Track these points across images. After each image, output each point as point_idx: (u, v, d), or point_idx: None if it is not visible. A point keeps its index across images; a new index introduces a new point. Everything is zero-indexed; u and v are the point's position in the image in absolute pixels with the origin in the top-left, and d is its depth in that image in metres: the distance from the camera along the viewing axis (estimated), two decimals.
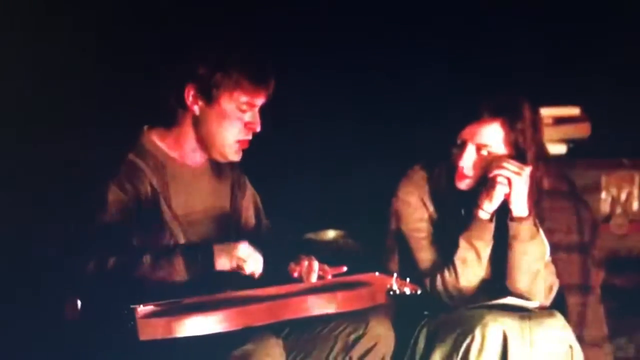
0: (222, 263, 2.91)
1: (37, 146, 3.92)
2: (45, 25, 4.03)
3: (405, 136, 3.82)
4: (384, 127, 4.14)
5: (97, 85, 4.01)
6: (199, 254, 2.90)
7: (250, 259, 2.92)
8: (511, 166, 3.15)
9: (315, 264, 3.00)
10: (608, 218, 4.27)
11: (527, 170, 3.15)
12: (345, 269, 3.03)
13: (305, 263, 3.01)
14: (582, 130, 4.41)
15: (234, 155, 3.09)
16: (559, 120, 4.35)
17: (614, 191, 4.43)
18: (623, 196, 4.49)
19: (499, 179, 3.15)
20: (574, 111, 4.39)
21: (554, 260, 3.27)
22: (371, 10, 4.30)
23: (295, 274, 3.03)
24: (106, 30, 4.07)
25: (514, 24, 4.30)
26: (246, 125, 3.05)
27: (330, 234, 4.07)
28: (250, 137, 3.07)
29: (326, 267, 3.03)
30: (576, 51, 4.38)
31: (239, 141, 3.06)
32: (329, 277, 3.01)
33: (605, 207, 4.33)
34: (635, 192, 4.58)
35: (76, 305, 3.02)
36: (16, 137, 3.91)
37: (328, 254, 3.21)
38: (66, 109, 4.00)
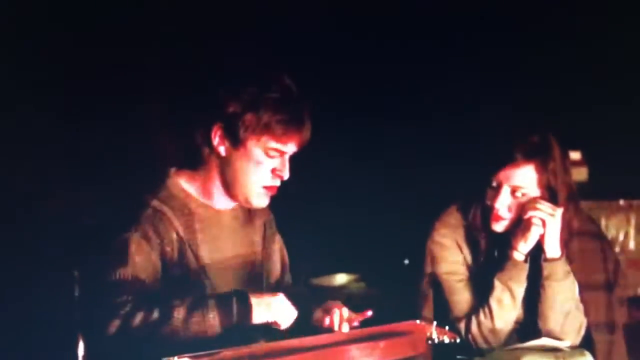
0: (259, 316, 2.79)
1: (56, 191, 3.81)
2: (67, 59, 3.95)
3: (440, 178, 3.83)
4: (419, 169, 4.14)
5: (122, 124, 3.92)
6: (235, 306, 2.76)
7: (286, 314, 2.82)
8: (545, 207, 3.19)
9: (346, 312, 2.86)
10: None
11: (560, 211, 3.20)
12: (370, 313, 2.89)
13: (336, 311, 2.87)
14: (581, 174, 4.52)
15: (259, 202, 2.92)
16: None
17: (613, 231, 4.55)
18: (621, 236, 4.61)
19: (534, 220, 3.19)
20: (575, 155, 4.49)
21: (582, 299, 3.30)
22: (405, 51, 4.31)
23: (327, 322, 2.87)
24: (134, 65, 3.98)
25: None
26: (273, 171, 2.89)
27: (341, 278, 3.99)
28: (278, 183, 2.92)
29: (352, 313, 2.88)
30: (575, 96, 4.46)
31: (265, 187, 2.90)
32: (355, 324, 2.86)
33: None
34: (632, 232, 4.70)
35: None
36: (31, 177, 3.81)
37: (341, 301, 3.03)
38: (86, 149, 3.90)
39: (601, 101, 4.53)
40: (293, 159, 2.93)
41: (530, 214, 3.19)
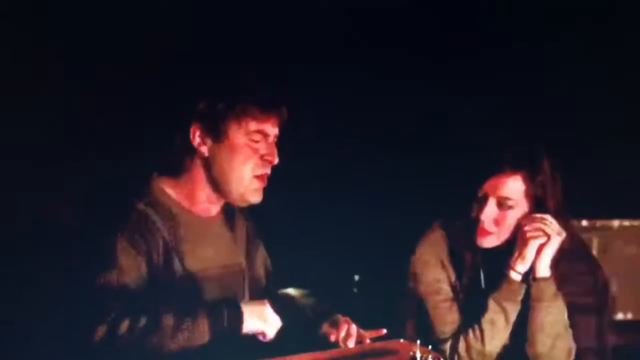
0: (250, 325, 2.67)
1: (41, 195, 3.65)
2: (43, 65, 3.79)
3: (424, 192, 3.69)
4: (402, 183, 4.01)
5: (102, 131, 3.77)
6: (227, 313, 2.65)
7: (273, 323, 2.70)
8: (553, 226, 3.04)
9: (354, 328, 2.78)
10: None
11: (564, 233, 3.06)
12: (384, 331, 2.81)
13: (345, 326, 2.79)
14: None
15: (254, 196, 2.83)
16: None
17: None
18: None
19: (534, 238, 3.05)
20: None
21: (571, 323, 3.14)
22: (389, 62, 4.18)
23: (332, 338, 2.78)
24: (107, 71, 3.84)
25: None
26: (262, 157, 2.81)
27: (290, 293, 3.84)
28: (268, 171, 2.83)
29: (361, 330, 2.80)
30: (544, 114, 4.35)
31: (257, 177, 2.81)
32: (368, 341, 2.78)
33: None
34: (594, 254, 4.56)
35: None
36: (17, 185, 3.65)
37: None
38: (69, 155, 3.74)
39: (567, 116, 4.40)
40: (275, 171, 2.86)
41: (530, 233, 3.04)
